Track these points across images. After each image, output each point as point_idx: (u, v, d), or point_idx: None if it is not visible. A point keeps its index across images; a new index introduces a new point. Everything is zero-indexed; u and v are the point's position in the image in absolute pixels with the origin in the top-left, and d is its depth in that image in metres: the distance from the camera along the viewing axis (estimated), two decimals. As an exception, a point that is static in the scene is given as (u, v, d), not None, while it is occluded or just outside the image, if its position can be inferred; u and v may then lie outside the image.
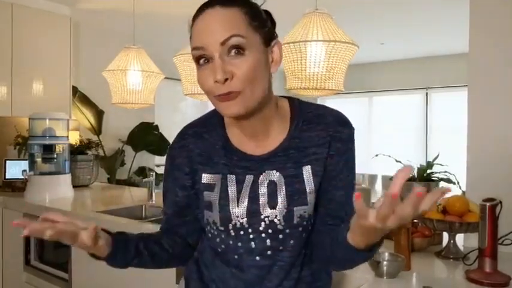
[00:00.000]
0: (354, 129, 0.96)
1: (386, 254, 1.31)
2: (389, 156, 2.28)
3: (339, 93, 2.18)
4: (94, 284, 2.11)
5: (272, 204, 0.91)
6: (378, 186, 6.15)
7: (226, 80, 0.81)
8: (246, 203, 0.92)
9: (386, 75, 6.33)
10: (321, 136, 0.93)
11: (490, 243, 1.22)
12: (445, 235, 1.54)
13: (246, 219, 0.91)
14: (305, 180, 0.92)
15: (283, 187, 0.92)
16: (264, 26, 0.86)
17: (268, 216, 0.91)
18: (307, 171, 0.92)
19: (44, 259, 2.41)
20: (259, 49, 0.84)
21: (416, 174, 1.95)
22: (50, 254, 2.40)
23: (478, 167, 1.62)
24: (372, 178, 6.17)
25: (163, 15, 3.88)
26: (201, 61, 0.84)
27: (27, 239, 2.47)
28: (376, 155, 2.50)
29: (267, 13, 0.90)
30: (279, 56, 0.89)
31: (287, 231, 0.91)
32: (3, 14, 3.12)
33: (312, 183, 0.92)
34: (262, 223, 0.91)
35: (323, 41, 1.88)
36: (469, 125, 1.64)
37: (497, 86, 1.59)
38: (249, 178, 0.93)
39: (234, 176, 0.93)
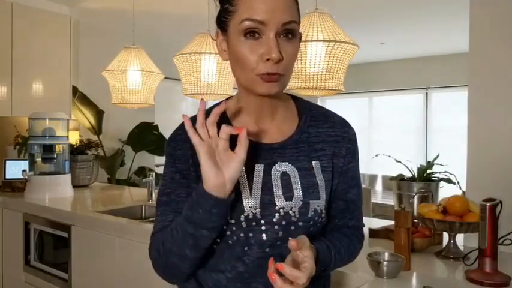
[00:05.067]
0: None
1: (387, 254, 1.31)
2: (390, 156, 2.28)
3: (339, 93, 2.18)
4: (94, 284, 2.11)
5: (287, 196, 0.90)
6: (378, 186, 6.15)
7: (279, 61, 0.81)
8: (259, 193, 0.89)
9: (386, 75, 6.33)
10: (328, 134, 0.95)
11: (490, 243, 1.22)
12: (445, 235, 1.53)
13: (259, 210, 0.88)
14: (316, 175, 0.92)
15: (298, 179, 0.91)
16: (300, 16, 0.89)
17: (283, 208, 0.89)
18: (316, 165, 0.93)
19: (44, 259, 2.41)
20: (297, 37, 0.86)
21: (416, 175, 1.95)
22: (50, 254, 2.40)
23: (478, 167, 1.62)
24: (372, 178, 6.17)
25: (163, 15, 3.88)
26: (248, 34, 0.82)
27: (26, 239, 2.48)
28: (376, 155, 2.51)
29: None
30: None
31: (300, 223, 0.90)
32: (3, 14, 3.12)
33: (322, 178, 0.93)
34: (277, 214, 0.89)
35: (323, 41, 1.88)
36: (469, 124, 1.64)
37: (498, 85, 1.58)
38: (259, 167, 0.90)
39: (243, 166, 0.89)
